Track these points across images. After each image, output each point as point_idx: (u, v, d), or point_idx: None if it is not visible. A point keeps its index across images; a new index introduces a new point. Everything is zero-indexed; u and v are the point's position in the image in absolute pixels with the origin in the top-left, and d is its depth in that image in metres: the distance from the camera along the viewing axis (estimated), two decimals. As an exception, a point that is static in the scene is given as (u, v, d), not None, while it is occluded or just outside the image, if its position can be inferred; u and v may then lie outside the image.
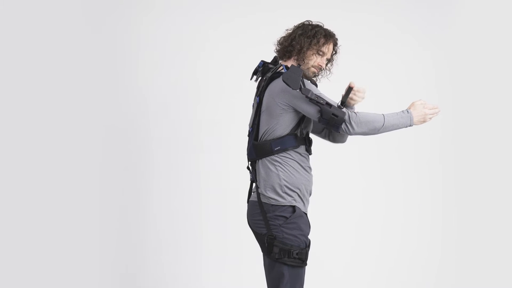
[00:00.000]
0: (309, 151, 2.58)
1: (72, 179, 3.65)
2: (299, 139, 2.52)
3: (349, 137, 2.79)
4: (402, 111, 2.50)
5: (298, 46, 2.56)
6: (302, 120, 2.53)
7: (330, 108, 2.39)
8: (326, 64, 2.67)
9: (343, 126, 2.41)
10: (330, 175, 3.86)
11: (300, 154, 2.53)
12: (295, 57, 2.59)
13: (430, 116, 2.52)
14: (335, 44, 2.65)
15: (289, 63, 2.60)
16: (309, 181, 2.57)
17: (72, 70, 3.68)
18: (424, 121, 2.52)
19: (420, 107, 2.51)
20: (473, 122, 4.35)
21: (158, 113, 4.02)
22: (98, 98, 3.81)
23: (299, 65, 2.55)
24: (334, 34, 2.64)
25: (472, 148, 4.35)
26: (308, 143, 2.58)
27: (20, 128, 3.44)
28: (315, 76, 2.65)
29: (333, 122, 2.40)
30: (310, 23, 2.63)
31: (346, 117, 2.40)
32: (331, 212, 4.19)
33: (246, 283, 4.02)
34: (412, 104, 2.53)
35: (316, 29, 2.59)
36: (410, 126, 2.50)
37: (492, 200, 4.23)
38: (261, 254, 2.63)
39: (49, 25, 3.58)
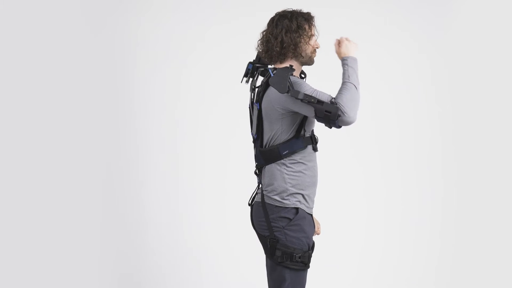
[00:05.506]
0: (315, 149, 2.56)
1: (71, 179, 3.65)
2: (305, 140, 2.50)
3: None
4: (346, 62, 2.46)
5: (292, 46, 2.51)
6: (304, 120, 2.51)
7: (322, 105, 2.32)
8: None
9: (339, 120, 2.33)
10: (330, 175, 3.84)
11: (307, 154, 2.51)
12: (291, 56, 2.54)
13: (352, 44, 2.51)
14: (312, 20, 2.59)
15: (287, 63, 2.56)
16: (315, 183, 2.55)
17: (71, 70, 3.69)
18: (356, 48, 2.51)
19: (347, 44, 2.50)
20: (471, 122, 4.35)
21: (157, 113, 4.02)
22: (97, 98, 3.81)
23: (290, 65, 2.51)
24: (309, 13, 2.58)
25: (471, 147, 4.35)
26: (314, 141, 2.56)
27: (17, 128, 3.45)
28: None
29: (328, 119, 2.33)
30: (283, 14, 2.56)
31: (339, 111, 2.33)
32: (331, 212, 4.17)
33: (247, 283, 4.03)
34: (345, 50, 2.50)
35: (296, 19, 2.53)
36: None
37: (492, 200, 4.23)
38: (260, 254, 2.63)
39: (48, 25, 3.59)
